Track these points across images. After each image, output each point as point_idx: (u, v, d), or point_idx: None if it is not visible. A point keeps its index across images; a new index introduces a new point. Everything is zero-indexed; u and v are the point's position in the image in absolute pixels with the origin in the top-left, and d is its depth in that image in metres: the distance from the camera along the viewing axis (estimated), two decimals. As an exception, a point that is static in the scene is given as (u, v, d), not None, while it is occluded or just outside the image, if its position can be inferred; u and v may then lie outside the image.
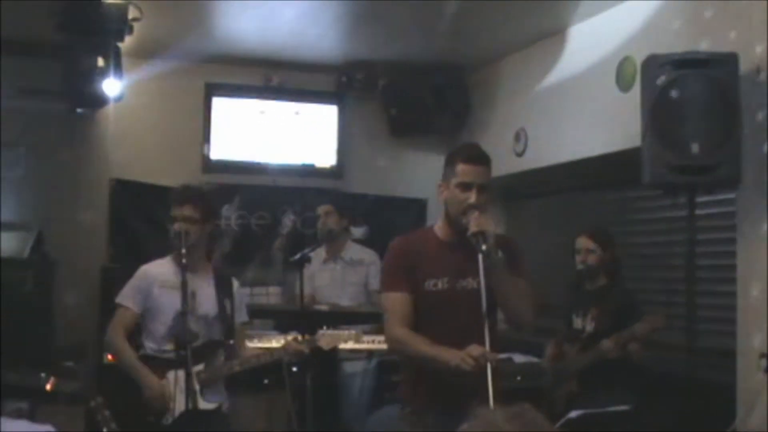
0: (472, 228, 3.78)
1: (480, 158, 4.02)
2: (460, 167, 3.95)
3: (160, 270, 4.95)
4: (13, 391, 5.17)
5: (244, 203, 8.32)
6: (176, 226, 4.78)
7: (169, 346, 4.69)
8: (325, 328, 5.23)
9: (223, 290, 4.95)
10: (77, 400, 4.95)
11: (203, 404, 4.67)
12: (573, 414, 3.88)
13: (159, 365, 4.76)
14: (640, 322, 5.29)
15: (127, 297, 4.92)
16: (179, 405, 4.57)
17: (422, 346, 3.87)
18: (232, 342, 4.90)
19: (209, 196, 5.20)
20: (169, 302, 4.75)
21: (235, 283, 5.14)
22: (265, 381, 6.12)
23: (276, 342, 5.84)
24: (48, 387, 5.39)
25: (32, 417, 4.65)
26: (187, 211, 4.81)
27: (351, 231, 7.38)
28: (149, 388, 4.68)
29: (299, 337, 5.06)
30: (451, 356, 3.71)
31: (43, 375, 5.53)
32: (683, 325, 5.22)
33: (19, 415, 4.64)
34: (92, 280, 7.44)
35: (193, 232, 4.79)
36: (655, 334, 5.35)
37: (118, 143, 7.97)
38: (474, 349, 3.64)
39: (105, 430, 3.75)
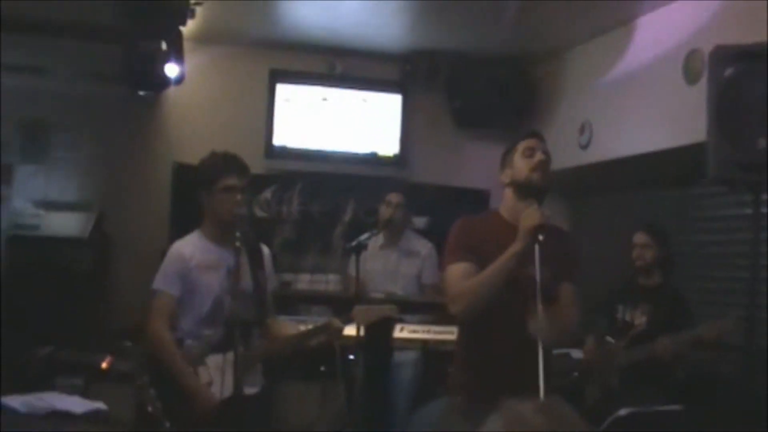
0: (527, 223, 3.71)
1: (538, 134, 4.06)
2: (520, 144, 3.96)
3: (194, 248, 4.66)
4: (69, 368, 5.22)
5: (305, 191, 8.31)
6: (232, 199, 4.50)
7: (210, 329, 4.54)
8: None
9: (256, 262, 4.64)
10: (129, 379, 4.97)
11: (246, 389, 4.37)
12: (622, 412, 3.80)
13: (197, 350, 4.54)
14: (706, 325, 5.18)
15: (165, 281, 4.62)
16: (219, 391, 4.40)
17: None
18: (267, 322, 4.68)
19: None
20: (209, 283, 4.55)
21: (265, 249, 4.85)
22: (322, 368, 6.09)
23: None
24: (104, 365, 5.47)
25: (85, 394, 4.64)
26: (244, 180, 4.57)
27: (413, 221, 7.33)
28: (199, 398, 4.42)
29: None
30: None
31: (99, 354, 5.63)
32: (744, 325, 5.08)
33: (72, 391, 4.65)
34: (153, 261, 7.46)
35: (248, 205, 4.63)
36: (723, 343, 5.23)
37: (181, 127, 8.05)
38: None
39: (149, 408, 3.76)
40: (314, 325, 4.89)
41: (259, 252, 4.76)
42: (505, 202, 4.02)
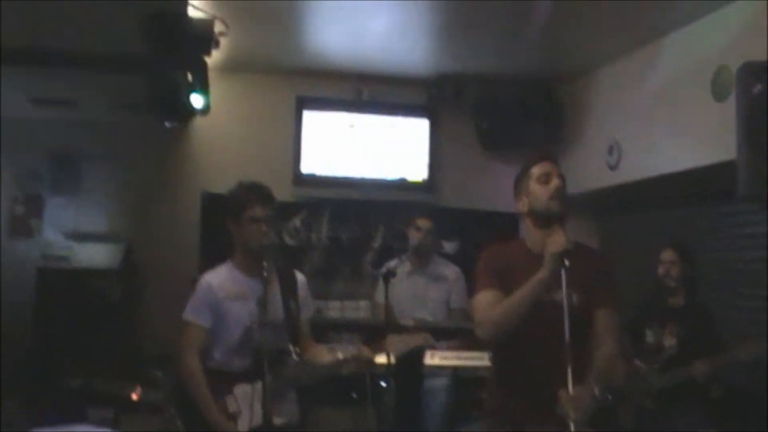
0: (552, 248, 3.67)
1: (550, 154, 4.04)
2: (534, 169, 3.93)
3: (224, 279, 4.69)
4: (99, 399, 5.21)
5: (334, 217, 8.30)
6: (258, 229, 4.53)
7: (239, 360, 4.55)
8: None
9: (288, 291, 4.66)
10: (158, 410, 4.96)
11: (276, 419, 4.34)
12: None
13: (226, 380, 4.57)
14: (743, 346, 5.12)
15: (195, 313, 4.66)
16: (248, 421, 4.40)
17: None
18: (297, 351, 4.60)
19: None
20: (239, 314, 4.57)
21: (299, 277, 4.85)
22: (353, 395, 6.05)
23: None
24: (134, 396, 5.46)
25: (115, 425, 4.64)
26: (270, 210, 4.60)
27: (442, 245, 7.29)
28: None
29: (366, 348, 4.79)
30: None
31: (129, 384, 5.62)
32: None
33: (102, 422, 4.64)
34: (182, 291, 7.46)
35: (274, 234, 4.62)
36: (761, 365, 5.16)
37: (209, 156, 8.09)
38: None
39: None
40: (345, 353, 4.83)
41: (293, 280, 4.76)
42: (527, 232, 4.01)
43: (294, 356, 4.55)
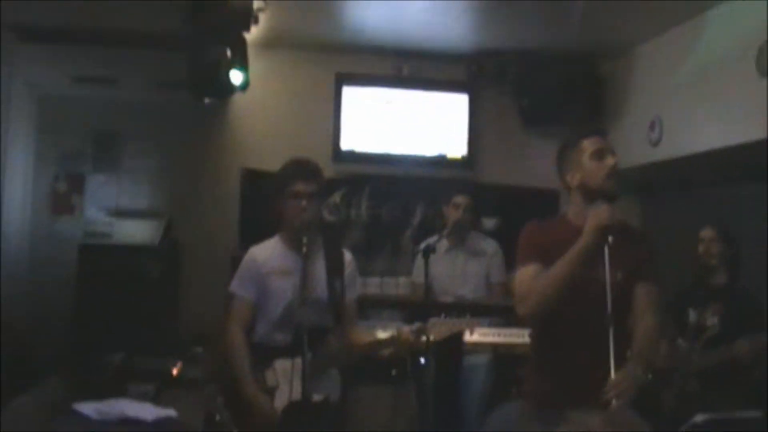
0: (598, 222, 3.63)
1: (602, 131, 3.97)
2: (586, 142, 3.86)
3: (269, 254, 4.73)
4: (140, 375, 5.25)
5: (374, 194, 8.29)
6: (298, 205, 4.56)
7: (280, 334, 4.57)
8: (443, 316, 4.98)
9: (334, 269, 4.63)
10: (199, 386, 5.00)
11: (316, 395, 4.38)
12: (698, 418, 3.69)
13: (267, 354, 4.59)
14: None
15: (240, 285, 4.72)
16: (286, 395, 4.41)
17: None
18: (340, 330, 4.56)
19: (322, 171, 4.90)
20: (281, 289, 4.59)
21: (347, 257, 4.81)
22: (393, 372, 6.05)
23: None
24: (174, 372, 5.50)
25: (156, 401, 4.66)
26: (312, 186, 4.60)
27: (482, 222, 7.26)
28: (257, 408, 4.46)
29: (409, 328, 4.76)
30: None
31: (170, 361, 5.66)
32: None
33: (143, 398, 4.68)
34: (222, 267, 7.51)
35: (317, 211, 4.65)
36: None
37: (248, 133, 8.12)
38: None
39: (217, 417, 3.76)
40: (384, 335, 4.85)
41: (340, 259, 4.73)
42: (574, 207, 3.93)
43: (336, 334, 4.53)
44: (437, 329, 4.71)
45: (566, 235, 3.81)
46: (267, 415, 4.45)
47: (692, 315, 5.53)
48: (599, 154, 3.82)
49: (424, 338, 4.72)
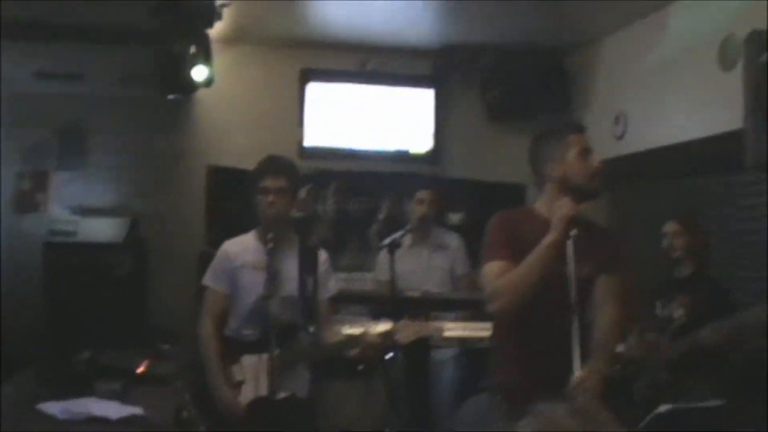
0: (565, 213, 3.65)
1: (585, 128, 3.99)
2: (573, 137, 3.85)
3: (242, 248, 4.77)
4: (108, 373, 5.22)
5: (340, 189, 8.28)
6: (266, 200, 4.61)
7: (250, 329, 4.58)
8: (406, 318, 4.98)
9: (307, 267, 4.68)
10: (167, 383, 4.99)
11: (280, 394, 4.41)
12: (662, 408, 3.73)
13: (237, 348, 4.62)
14: (748, 311, 5.09)
15: (213, 278, 4.77)
16: (252, 391, 4.46)
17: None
18: (311, 328, 4.60)
19: (297, 168, 4.96)
20: (253, 283, 4.59)
21: (322, 256, 4.86)
22: (360, 367, 6.05)
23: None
24: (141, 369, 5.47)
25: (123, 398, 4.65)
26: (281, 182, 4.63)
27: (448, 217, 7.27)
28: (223, 401, 4.51)
29: (377, 328, 4.79)
30: None
31: (137, 358, 5.63)
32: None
33: (110, 395, 4.66)
34: (189, 264, 7.49)
35: (284, 205, 4.65)
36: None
37: (214, 129, 8.09)
38: None
39: (185, 413, 3.75)
40: (352, 332, 4.84)
41: (313, 256, 4.78)
42: (547, 198, 3.91)
43: (306, 332, 4.57)
44: (404, 333, 4.70)
45: (534, 227, 3.81)
46: (231, 408, 4.48)
47: (659, 307, 5.57)
48: (586, 153, 3.82)
49: (390, 341, 4.71)
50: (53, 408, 4.24)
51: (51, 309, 7.07)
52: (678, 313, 5.41)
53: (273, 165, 4.73)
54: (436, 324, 5.05)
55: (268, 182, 4.64)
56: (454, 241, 6.79)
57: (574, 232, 3.59)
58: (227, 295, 4.75)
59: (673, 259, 5.59)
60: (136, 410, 4.36)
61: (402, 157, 8.38)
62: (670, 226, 5.59)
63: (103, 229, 7.52)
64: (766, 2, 5.43)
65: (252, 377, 4.48)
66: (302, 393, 4.69)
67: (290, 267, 4.66)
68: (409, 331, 4.67)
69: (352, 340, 4.74)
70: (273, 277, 4.44)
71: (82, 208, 7.83)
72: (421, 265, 6.66)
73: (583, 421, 1.72)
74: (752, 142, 4.67)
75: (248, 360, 4.57)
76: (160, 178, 8.00)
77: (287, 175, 4.69)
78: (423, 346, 6.00)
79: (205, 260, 7.33)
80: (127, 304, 7.18)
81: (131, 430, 4.16)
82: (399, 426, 5.31)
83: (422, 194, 6.68)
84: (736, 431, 3.77)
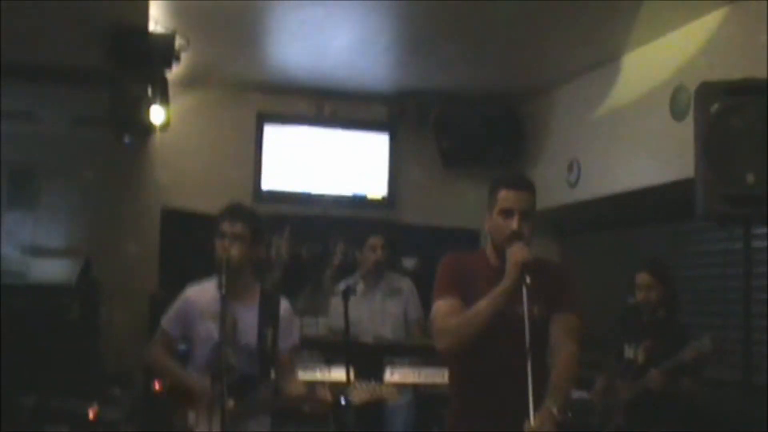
0: (516, 259, 3.66)
1: (521, 184, 3.89)
2: (502, 193, 3.82)
3: (202, 295, 4.65)
4: (56, 417, 5.16)
5: (294, 233, 8.27)
6: (222, 245, 4.52)
7: (208, 379, 4.44)
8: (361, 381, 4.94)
9: (267, 317, 4.60)
10: (116, 428, 4.93)
11: None
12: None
13: (192, 397, 4.49)
14: (685, 349, 5.14)
15: (168, 321, 4.70)
16: None
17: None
18: (271, 377, 4.55)
19: (260, 217, 4.83)
20: (209, 332, 4.50)
21: (284, 305, 4.75)
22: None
23: (320, 375, 5.74)
24: (91, 414, 5.40)
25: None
26: (238, 228, 4.54)
27: (402, 262, 7.28)
28: (195, 390, 4.46)
29: (330, 376, 4.72)
30: None
31: (87, 402, 5.56)
32: (739, 361, 5.03)
33: (58, 440, 4.60)
34: (141, 307, 7.41)
35: (240, 251, 4.55)
36: (706, 365, 5.19)
37: (170, 171, 8.04)
38: None
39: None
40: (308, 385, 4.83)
41: (275, 306, 4.70)
42: (490, 245, 3.94)
43: (265, 383, 4.52)
44: (358, 394, 4.66)
45: (483, 268, 3.86)
46: (203, 391, 4.43)
47: (627, 351, 5.59)
48: (507, 213, 3.78)
49: (343, 401, 4.67)
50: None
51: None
52: (643, 356, 5.44)
53: (230, 210, 4.66)
54: (391, 389, 4.94)
55: (225, 227, 4.57)
56: (406, 285, 6.78)
57: (528, 279, 3.60)
58: (176, 341, 4.72)
59: (646, 308, 5.57)
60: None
61: (359, 202, 8.40)
62: (642, 278, 5.56)
63: (54, 271, 7.44)
64: (715, 54, 5.55)
65: (206, 425, 4.41)
66: None
67: (249, 315, 4.58)
68: (363, 393, 4.61)
69: (304, 397, 4.66)
70: (226, 324, 4.37)
71: (34, 249, 7.74)
72: (374, 311, 6.63)
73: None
74: (702, 192, 4.72)
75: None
76: (115, 219, 7.90)
77: (245, 222, 4.63)
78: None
79: (157, 303, 7.32)
80: (77, 347, 7.07)
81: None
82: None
83: (374, 240, 6.68)
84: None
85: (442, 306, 3.84)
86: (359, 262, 6.84)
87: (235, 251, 4.56)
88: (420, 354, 6.14)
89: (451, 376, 4.14)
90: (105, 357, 7.35)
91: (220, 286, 4.37)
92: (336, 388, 4.66)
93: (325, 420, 5.28)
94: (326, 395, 4.57)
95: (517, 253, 3.66)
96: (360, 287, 6.52)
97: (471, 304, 3.73)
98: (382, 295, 6.70)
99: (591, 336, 4.43)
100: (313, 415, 5.00)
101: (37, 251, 7.71)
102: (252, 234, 4.64)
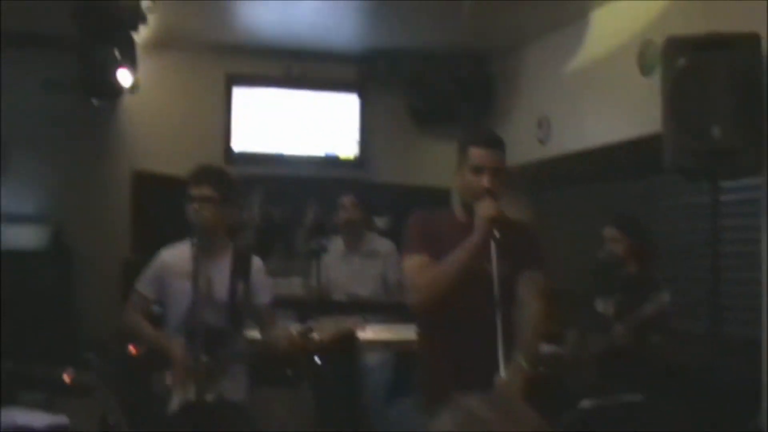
0: (484, 212, 3.69)
1: (492, 141, 3.91)
2: (472, 151, 3.84)
3: (177, 257, 4.72)
4: (31, 383, 5.15)
5: (266, 195, 8.26)
6: (193, 207, 4.57)
7: (181, 338, 4.52)
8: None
9: (239, 274, 4.67)
10: (92, 392, 4.93)
11: (209, 397, 4.38)
12: (585, 404, 3.79)
13: (168, 358, 4.55)
14: (646, 305, 5.19)
15: (143, 282, 4.78)
16: (181, 396, 4.41)
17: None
18: (243, 330, 4.69)
19: (231, 177, 4.90)
20: (183, 292, 4.52)
21: (256, 263, 4.81)
22: (289, 373, 6.03)
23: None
24: (66, 379, 5.40)
25: (49, 408, 4.60)
26: (205, 190, 4.59)
27: (374, 221, 7.29)
28: (170, 352, 4.50)
29: (296, 329, 4.78)
30: None
31: (62, 367, 5.55)
32: (707, 313, 5.10)
33: (35, 405, 4.61)
34: (114, 272, 7.40)
35: (210, 213, 4.59)
36: (668, 319, 5.24)
37: (139, 135, 8.00)
38: None
39: (110, 419, 3.73)
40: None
41: (247, 263, 4.76)
42: (458, 203, 3.99)
43: (236, 337, 4.61)
44: (323, 329, 4.70)
45: (452, 226, 3.90)
46: (177, 350, 4.47)
47: (599, 305, 5.63)
48: (478, 170, 3.80)
49: (311, 338, 4.69)
50: (-25, 419, 4.17)
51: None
52: (612, 311, 5.49)
53: (198, 174, 4.70)
54: (354, 319, 4.98)
55: (193, 190, 4.62)
56: (385, 246, 6.77)
57: (497, 234, 3.63)
58: (152, 301, 4.81)
59: (609, 261, 5.62)
60: (62, 419, 4.32)
61: (328, 162, 8.40)
62: (608, 232, 5.61)
63: (25, 237, 7.40)
64: (682, 10, 5.56)
65: (180, 383, 4.46)
66: (237, 397, 4.66)
67: (223, 274, 4.64)
68: (326, 327, 4.67)
69: (272, 342, 4.74)
70: (198, 283, 4.41)
71: (4, 216, 7.69)
72: (354, 272, 6.66)
73: (502, 412, 1.73)
74: (670, 146, 4.77)
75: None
76: (85, 184, 7.85)
77: (213, 184, 4.65)
78: (349, 351, 6.00)
79: (130, 268, 7.30)
80: (51, 313, 7.07)
81: (57, 439, 4.12)
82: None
83: (345, 200, 6.70)
84: (654, 425, 3.85)
85: (411, 263, 3.88)
86: (335, 223, 6.85)
87: (206, 213, 4.59)
88: (395, 312, 6.17)
89: (420, 333, 4.16)
90: (79, 322, 7.35)
91: (192, 246, 4.42)
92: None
93: (301, 381, 5.33)
94: (295, 338, 4.60)
95: (486, 208, 3.69)
96: (340, 248, 6.57)
97: (440, 257, 3.77)
98: (361, 258, 6.71)
99: (563, 291, 4.49)
100: (285, 362, 5.07)
101: (8, 218, 7.65)
102: (221, 195, 4.67)
